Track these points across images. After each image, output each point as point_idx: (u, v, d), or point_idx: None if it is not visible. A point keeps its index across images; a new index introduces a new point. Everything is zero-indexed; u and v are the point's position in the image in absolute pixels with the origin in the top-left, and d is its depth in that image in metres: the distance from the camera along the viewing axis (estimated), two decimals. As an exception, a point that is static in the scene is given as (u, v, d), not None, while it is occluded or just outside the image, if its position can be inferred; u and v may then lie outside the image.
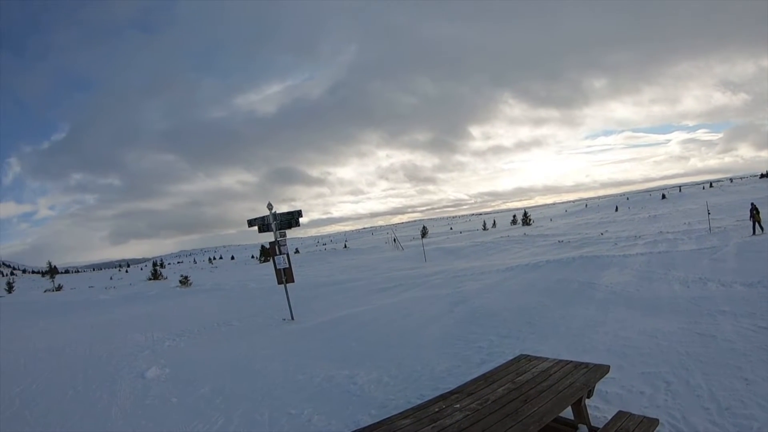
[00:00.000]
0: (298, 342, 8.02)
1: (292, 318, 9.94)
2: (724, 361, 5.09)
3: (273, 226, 10.14)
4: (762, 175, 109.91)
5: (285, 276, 10.16)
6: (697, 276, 9.80)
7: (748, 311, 6.87)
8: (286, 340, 8.29)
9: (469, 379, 4.34)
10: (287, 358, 6.96)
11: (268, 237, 10.31)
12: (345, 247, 64.06)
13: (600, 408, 4.36)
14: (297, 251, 70.43)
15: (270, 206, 10.10)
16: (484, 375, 4.17)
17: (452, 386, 4.24)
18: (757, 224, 19.43)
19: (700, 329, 6.29)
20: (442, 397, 3.69)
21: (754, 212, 19.82)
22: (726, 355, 5.23)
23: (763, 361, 4.93)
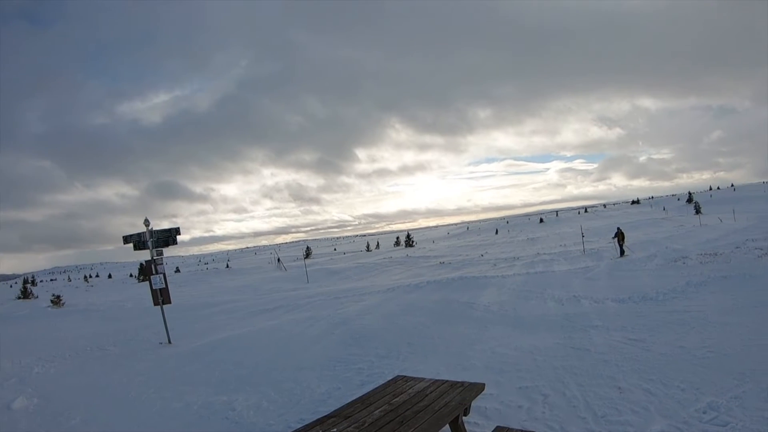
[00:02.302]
0: (175, 367, 7.86)
1: (170, 341, 9.78)
2: (597, 372, 5.52)
3: (149, 243, 10.02)
4: (633, 202, 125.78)
5: (161, 297, 10.04)
6: (572, 294, 10.71)
7: (620, 325, 7.62)
8: (162, 365, 8.11)
9: (348, 401, 4.33)
10: (163, 385, 6.85)
11: (145, 255, 10.25)
12: (227, 266, 64.28)
13: (480, 424, 4.49)
14: (178, 270, 71.12)
15: (147, 222, 9.98)
16: (361, 397, 4.19)
17: (332, 409, 4.24)
18: (621, 246, 21.61)
19: (574, 344, 6.81)
20: (320, 422, 3.70)
21: (619, 236, 22.04)
22: (599, 367, 5.68)
23: (634, 371, 5.42)
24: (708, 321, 7.20)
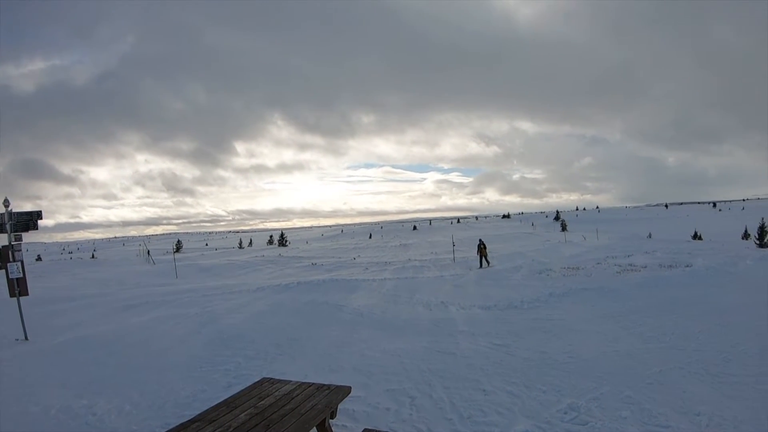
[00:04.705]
0: (32, 367, 7.43)
1: (26, 338, 9.37)
2: (463, 375, 5.85)
3: (7, 227, 9.44)
4: (503, 216, 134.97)
5: (18, 287, 9.57)
6: (440, 300, 11.27)
7: (485, 331, 8.13)
8: (18, 364, 7.63)
9: (214, 404, 4.27)
10: (19, 386, 6.47)
11: (2, 240, 9.64)
12: (93, 257, 61.40)
13: (348, 426, 4.58)
14: (39, 258, 66.29)
15: (6, 203, 9.47)
16: (226, 400, 4.18)
17: (197, 412, 4.23)
18: (483, 258, 22.90)
19: (441, 348, 7.16)
20: (183, 427, 3.65)
21: (481, 247, 23.31)
22: (465, 370, 6.02)
23: (498, 374, 5.81)
24: (569, 328, 7.93)
